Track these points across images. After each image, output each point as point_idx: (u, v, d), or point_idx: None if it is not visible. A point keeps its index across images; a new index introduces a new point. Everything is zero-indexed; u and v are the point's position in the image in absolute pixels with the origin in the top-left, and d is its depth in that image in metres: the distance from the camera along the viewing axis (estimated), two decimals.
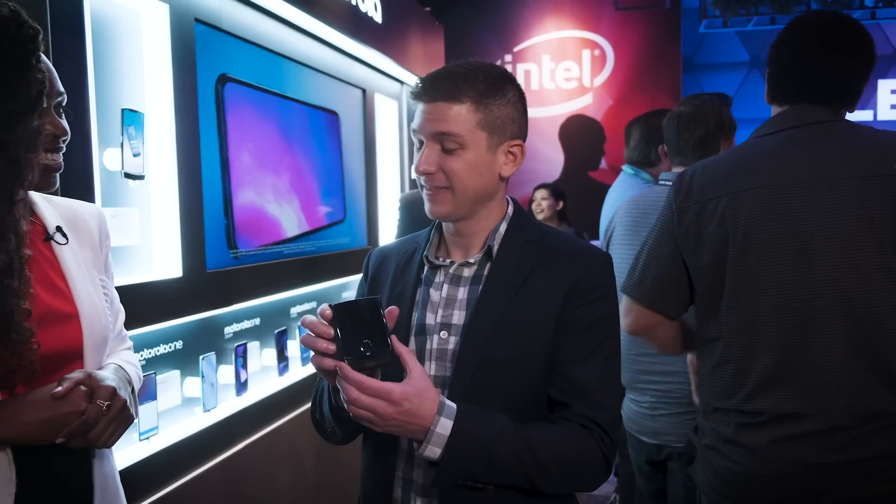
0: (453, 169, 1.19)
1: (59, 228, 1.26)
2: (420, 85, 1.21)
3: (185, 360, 2.19)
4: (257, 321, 2.61)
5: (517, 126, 1.23)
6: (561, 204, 4.56)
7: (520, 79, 5.71)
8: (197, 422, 2.21)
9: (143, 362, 1.99)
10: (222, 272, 2.35)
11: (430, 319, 1.24)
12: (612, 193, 3.06)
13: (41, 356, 1.13)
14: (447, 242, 1.30)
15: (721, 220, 1.51)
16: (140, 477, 1.92)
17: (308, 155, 3.04)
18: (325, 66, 3.18)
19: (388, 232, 3.88)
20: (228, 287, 2.37)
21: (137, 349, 1.96)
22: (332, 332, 1.08)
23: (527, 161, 1.32)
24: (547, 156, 5.61)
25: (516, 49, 5.73)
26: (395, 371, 1.10)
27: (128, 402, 1.20)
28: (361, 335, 1.07)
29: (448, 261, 1.26)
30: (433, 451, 1.09)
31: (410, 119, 4.36)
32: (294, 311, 2.90)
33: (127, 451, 1.91)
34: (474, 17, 5.68)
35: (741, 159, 1.56)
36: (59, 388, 1.11)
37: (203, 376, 2.21)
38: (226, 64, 2.44)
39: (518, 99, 1.23)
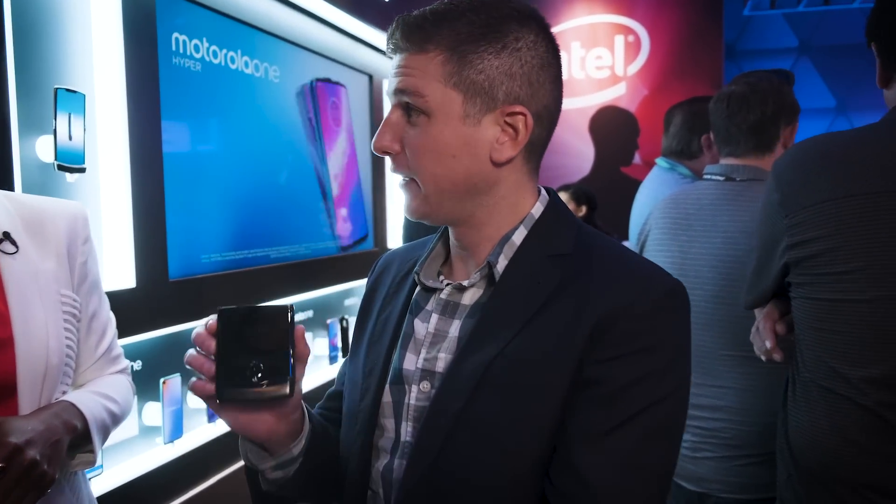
0: (414, 147, 0.86)
1: (6, 235, 1.10)
2: (390, 30, 0.88)
3: (144, 384, 1.88)
4: None
5: (519, 85, 0.84)
6: (584, 210, 3.95)
7: None
8: (157, 455, 1.91)
9: None
10: (190, 281, 2.04)
11: (410, 362, 0.90)
12: (644, 190, 2.69)
13: None
14: (451, 255, 0.96)
15: None
16: None
17: (308, 150, 2.72)
18: (326, 49, 2.85)
19: (399, 233, 3.55)
20: (197, 298, 2.06)
21: None
22: (211, 345, 0.80)
23: (553, 156, 0.95)
24: (576, 150, 5.22)
25: None
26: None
27: (38, 460, 0.98)
28: (250, 355, 0.78)
29: (445, 282, 0.92)
30: None
31: None
32: None
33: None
34: None
35: None
36: None
37: (164, 401, 1.91)
38: (200, 39, 2.13)
39: (530, 46, 0.85)
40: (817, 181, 1.19)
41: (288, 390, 0.79)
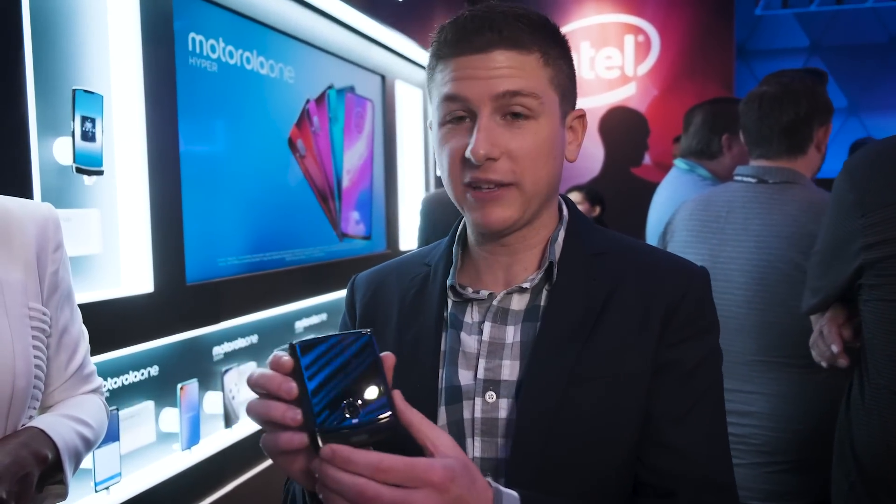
0: (525, 150, 0.81)
1: None
2: (457, 30, 0.81)
3: (161, 389, 1.85)
4: (255, 339, 2.27)
5: (576, 89, 0.91)
6: (598, 210, 4.04)
7: None
8: (175, 462, 1.88)
9: (107, 394, 1.66)
10: (207, 285, 2.01)
11: (465, 378, 0.86)
12: (663, 192, 2.65)
13: None
14: (476, 263, 0.91)
15: None
16: None
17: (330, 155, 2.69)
18: (339, 50, 2.82)
19: (412, 236, 3.52)
20: (214, 302, 2.03)
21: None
22: (293, 388, 0.66)
23: None
24: (585, 151, 5.19)
25: None
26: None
27: (4, 499, 0.88)
28: (343, 391, 0.67)
29: (485, 292, 0.88)
30: None
31: None
32: (299, 325, 2.55)
33: None
34: None
35: None
36: None
37: (181, 407, 1.88)
38: (216, 39, 2.09)
39: (568, 52, 0.90)
40: (894, 181, 1.15)
41: (391, 425, 0.67)
